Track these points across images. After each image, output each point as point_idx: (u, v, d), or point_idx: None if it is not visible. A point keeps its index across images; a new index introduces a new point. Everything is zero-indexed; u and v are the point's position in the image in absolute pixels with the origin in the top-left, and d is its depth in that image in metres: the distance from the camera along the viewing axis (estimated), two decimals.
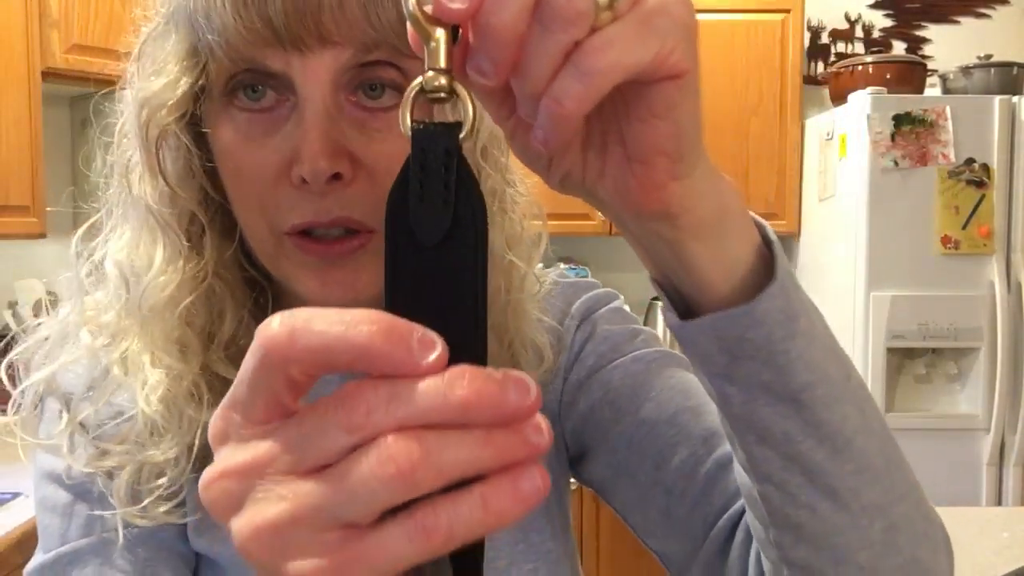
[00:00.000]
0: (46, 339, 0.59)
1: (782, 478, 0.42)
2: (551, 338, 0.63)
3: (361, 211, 0.51)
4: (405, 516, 0.25)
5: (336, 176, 0.49)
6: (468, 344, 0.28)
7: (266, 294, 0.59)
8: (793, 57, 2.99)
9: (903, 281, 2.55)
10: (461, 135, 0.29)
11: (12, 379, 0.59)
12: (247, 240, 0.55)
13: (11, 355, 0.59)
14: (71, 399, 0.58)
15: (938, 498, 2.24)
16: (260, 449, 0.27)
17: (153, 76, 0.52)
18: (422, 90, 0.29)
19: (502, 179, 0.58)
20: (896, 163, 2.53)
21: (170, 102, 0.51)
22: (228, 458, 0.28)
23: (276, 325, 0.26)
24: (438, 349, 0.26)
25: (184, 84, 0.51)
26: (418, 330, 0.26)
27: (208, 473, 0.28)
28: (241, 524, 0.27)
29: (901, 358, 2.62)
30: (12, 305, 2.36)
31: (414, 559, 0.25)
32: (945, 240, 2.54)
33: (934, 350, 2.61)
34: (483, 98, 0.35)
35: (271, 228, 0.52)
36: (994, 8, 3.29)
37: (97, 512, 0.57)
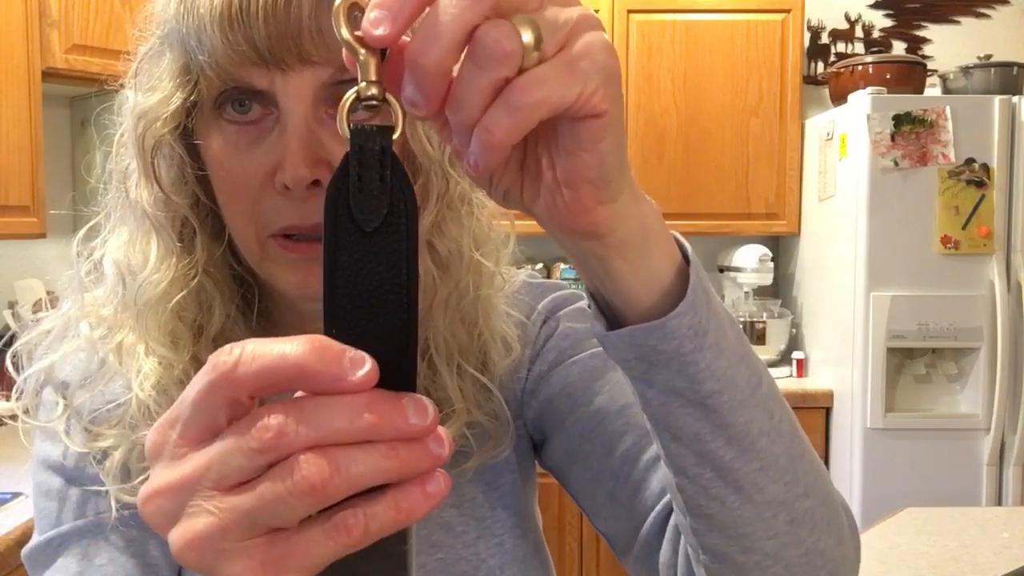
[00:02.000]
0: (48, 332, 0.64)
1: (695, 472, 0.47)
2: (519, 331, 0.67)
3: None
4: (325, 517, 0.29)
5: (316, 183, 0.53)
6: (401, 326, 0.32)
7: (253, 290, 0.63)
8: (793, 57, 2.99)
9: (903, 281, 2.55)
10: (393, 136, 0.32)
11: (16, 368, 0.64)
12: (236, 243, 0.60)
13: (15, 345, 0.65)
14: (68, 387, 0.63)
15: (938, 498, 2.24)
16: (189, 468, 0.30)
17: (149, 92, 0.58)
18: (358, 98, 0.33)
19: (470, 185, 0.62)
20: (896, 163, 2.53)
21: (164, 115, 0.56)
22: (161, 475, 0.31)
23: (225, 352, 0.30)
24: (367, 366, 0.29)
25: (177, 99, 0.56)
26: (349, 350, 0.30)
27: (144, 490, 0.31)
28: (176, 536, 0.30)
29: (901, 358, 2.62)
30: (12, 305, 2.36)
31: (335, 554, 0.30)
32: (945, 240, 2.54)
33: (934, 350, 2.61)
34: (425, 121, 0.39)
35: (257, 233, 0.57)
36: (994, 8, 3.29)
37: (91, 490, 0.61)
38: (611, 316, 0.46)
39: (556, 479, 0.68)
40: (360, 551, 0.30)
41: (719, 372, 0.45)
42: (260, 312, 0.64)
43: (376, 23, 0.31)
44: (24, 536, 1.51)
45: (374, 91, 0.33)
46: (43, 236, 2.17)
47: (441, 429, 0.31)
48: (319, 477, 0.28)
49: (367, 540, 0.30)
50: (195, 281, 0.60)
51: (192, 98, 0.56)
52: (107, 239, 0.63)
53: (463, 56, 0.33)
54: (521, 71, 0.33)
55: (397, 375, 0.31)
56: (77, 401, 0.62)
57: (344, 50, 0.33)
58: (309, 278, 0.56)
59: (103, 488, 0.60)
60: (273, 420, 0.29)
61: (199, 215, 0.60)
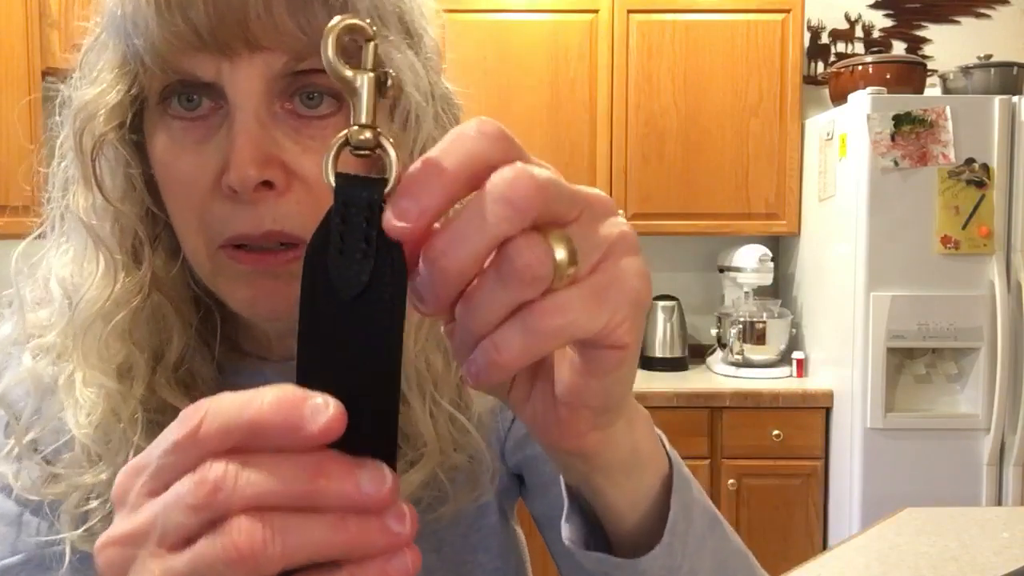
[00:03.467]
0: None
1: None
2: None
3: (294, 223, 0.49)
4: None
5: (268, 184, 0.48)
6: (379, 400, 0.28)
7: (214, 315, 0.57)
8: (793, 57, 2.99)
9: (903, 281, 2.55)
10: (386, 190, 0.29)
11: None
12: (188, 258, 0.54)
13: None
14: (20, 415, 0.57)
15: (938, 498, 2.23)
16: (139, 521, 0.28)
17: (88, 85, 0.52)
18: (347, 143, 0.29)
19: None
20: (896, 163, 2.53)
21: (103, 110, 0.51)
22: (117, 525, 0.29)
23: (194, 408, 0.28)
24: (329, 413, 0.26)
25: (118, 92, 0.51)
26: (312, 397, 0.27)
27: (101, 539, 0.29)
28: None
29: (901, 358, 2.62)
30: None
31: None
32: (945, 240, 2.54)
33: (934, 350, 2.61)
34: None
35: (206, 243, 0.51)
36: (994, 8, 3.29)
37: (43, 530, 0.56)
38: (589, 513, 0.44)
39: (536, 526, 0.65)
40: None
41: None
42: (224, 337, 0.58)
43: (401, 215, 0.28)
44: None
45: (367, 136, 0.29)
46: (43, 236, 2.17)
47: (406, 506, 0.28)
48: (249, 544, 0.26)
49: None
50: (144, 299, 0.54)
51: (134, 91, 0.51)
52: (49, 254, 0.58)
53: (487, 262, 0.29)
54: (548, 290, 0.30)
55: (373, 447, 0.28)
56: (26, 439, 0.55)
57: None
58: (260, 294, 0.51)
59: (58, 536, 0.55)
60: (211, 474, 0.26)
61: (150, 227, 0.54)
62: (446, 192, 0.29)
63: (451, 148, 0.29)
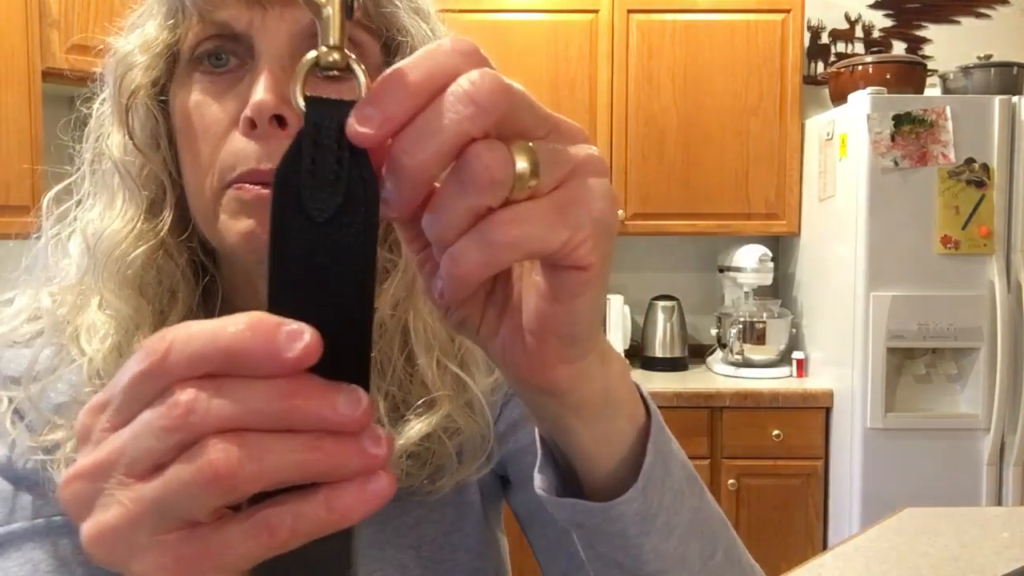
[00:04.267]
0: (10, 300, 0.61)
1: None
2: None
3: None
4: (247, 514, 0.26)
5: (281, 121, 0.50)
6: (352, 323, 0.28)
7: (216, 285, 0.59)
8: (793, 57, 2.99)
9: (903, 281, 2.55)
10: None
11: None
12: (192, 210, 0.56)
13: None
14: (18, 381, 0.57)
15: (938, 498, 2.23)
16: (104, 452, 0.27)
17: (134, 37, 0.56)
18: (316, 64, 0.29)
19: None
20: (896, 163, 2.53)
21: (142, 60, 0.54)
22: (82, 459, 0.28)
23: (158, 337, 0.27)
24: (305, 339, 0.26)
25: (159, 44, 0.54)
26: (286, 323, 0.26)
27: (65, 474, 0.28)
28: (86, 528, 0.27)
29: (901, 358, 2.62)
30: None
31: (258, 555, 0.26)
32: (945, 240, 2.54)
33: (934, 350, 2.61)
34: (395, 225, 0.35)
35: (215, 182, 0.53)
36: (994, 8, 3.29)
37: (45, 502, 0.56)
38: (563, 465, 0.43)
39: (517, 523, 0.65)
40: (294, 555, 0.27)
41: (666, 553, 0.42)
42: (221, 313, 0.59)
43: (364, 120, 0.28)
44: None
45: (335, 57, 0.29)
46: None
47: (380, 429, 0.27)
48: (226, 463, 0.25)
49: (294, 541, 0.26)
50: (158, 245, 0.56)
51: (174, 43, 0.54)
52: (80, 215, 0.59)
53: (449, 169, 0.29)
54: (508, 202, 0.29)
55: (346, 374, 0.27)
56: (31, 391, 0.56)
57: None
58: (259, 228, 0.51)
59: (54, 481, 0.55)
60: (184, 396, 0.26)
61: (170, 185, 0.56)
62: (411, 99, 0.28)
63: (420, 60, 0.29)
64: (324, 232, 0.28)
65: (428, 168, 0.28)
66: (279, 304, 0.27)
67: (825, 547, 2.71)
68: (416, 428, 0.55)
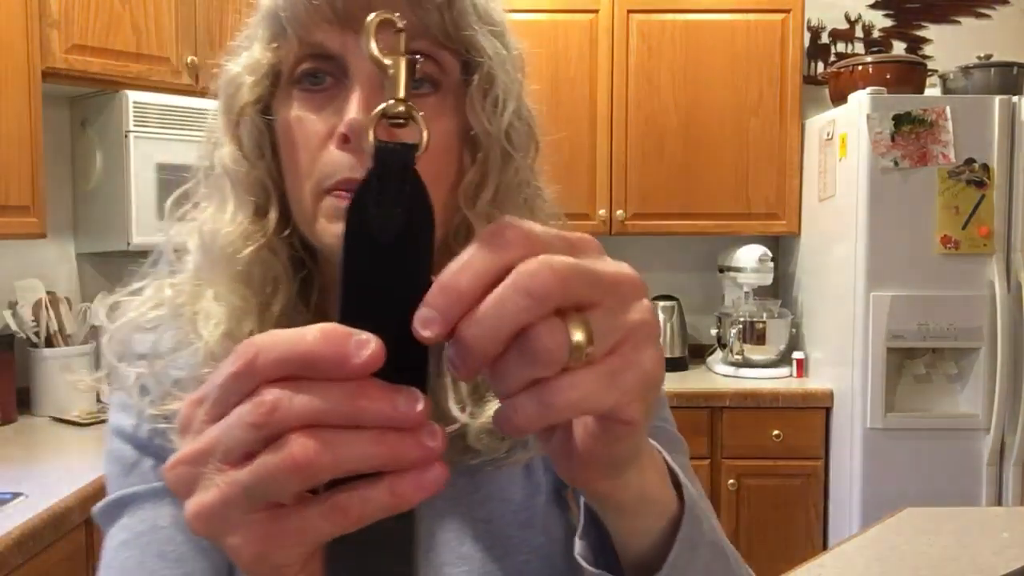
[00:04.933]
0: (140, 290, 0.68)
1: None
2: None
3: None
4: (323, 497, 0.31)
5: None
6: (410, 335, 0.32)
7: (313, 280, 0.67)
8: (793, 57, 2.99)
9: (903, 281, 2.55)
10: (417, 154, 0.33)
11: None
12: (293, 212, 0.63)
13: (112, 298, 0.69)
14: (144, 359, 0.66)
15: (938, 498, 2.23)
16: (204, 442, 0.32)
17: (240, 59, 0.62)
18: (384, 115, 0.34)
19: (529, 174, 0.65)
20: (896, 163, 2.53)
21: (249, 80, 0.61)
22: (185, 447, 0.33)
23: (248, 343, 0.31)
24: (371, 348, 0.30)
25: (263, 65, 0.61)
26: (355, 334, 0.31)
27: (170, 460, 0.33)
28: (188, 505, 0.32)
29: (901, 358, 2.62)
30: (12, 305, 2.36)
31: (332, 532, 0.31)
32: (945, 240, 2.54)
33: (934, 350, 2.61)
34: None
35: (314, 188, 0.59)
36: (994, 8, 3.29)
37: (160, 458, 0.64)
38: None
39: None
40: (363, 532, 0.31)
41: None
42: (317, 305, 0.67)
43: (425, 324, 0.32)
44: (24, 535, 1.51)
45: (400, 109, 0.34)
46: (43, 236, 2.17)
47: (436, 425, 0.32)
48: (304, 454, 0.30)
49: (363, 521, 0.31)
50: (264, 243, 0.63)
51: (276, 63, 0.61)
52: (193, 216, 0.66)
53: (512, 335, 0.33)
54: (566, 369, 0.33)
55: (406, 378, 0.32)
56: (155, 367, 0.65)
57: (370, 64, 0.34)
58: None
59: (173, 448, 0.62)
60: (269, 396, 0.30)
61: (274, 189, 0.63)
62: (464, 302, 0.32)
63: (474, 258, 0.32)
64: (388, 254, 0.33)
65: (489, 349, 0.32)
66: (348, 316, 0.32)
67: (825, 547, 2.71)
68: (493, 408, 0.60)
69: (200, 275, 0.64)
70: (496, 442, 0.63)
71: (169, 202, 0.68)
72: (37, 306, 2.36)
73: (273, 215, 0.63)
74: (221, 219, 0.63)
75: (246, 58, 0.62)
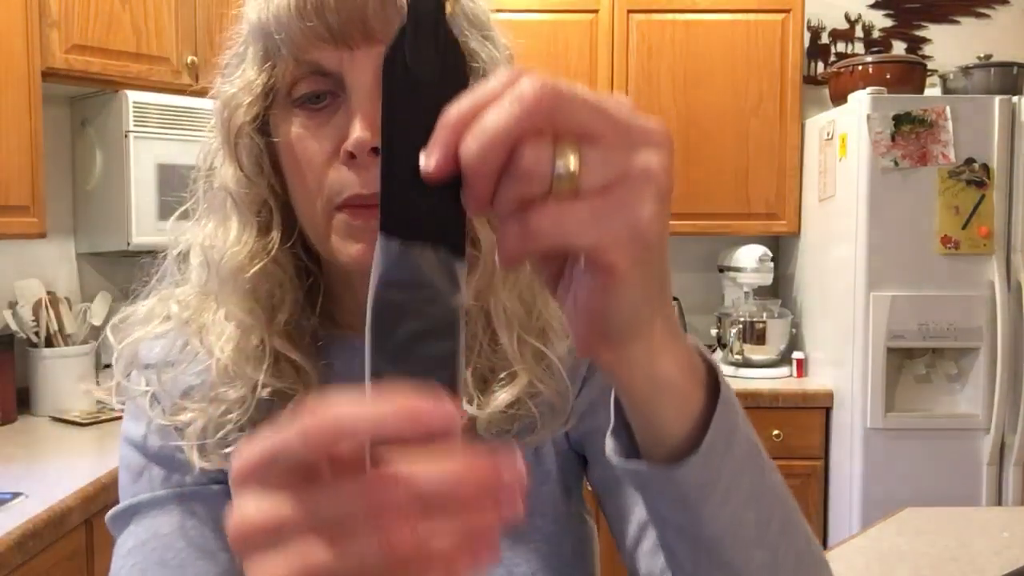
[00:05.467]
0: (136, 311, 0.69)
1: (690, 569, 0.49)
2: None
3: None
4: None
5: (376, 151, 0.56)
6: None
7: (318, 286, 0.68)
8: (793, 57, 2.99)
9: (903, 281, 2.55)
10: (448, 9, 0.35)
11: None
12: (303, 228, 0.64)
13: (115, 318, 0.70)
14: (154, 368, 0.67)
15: (938, 498, 2.23)
16: (287, 507, 0.30)
17: (234, 80, 0.63)
18: None
19: None
20: (896, 163, 2.53)
21: (245, 101, 0.61)
22: (258, 505, 0.31)
23: (323, 407, 0.30)
24: (453, 416, 0.30)
25: (258, 85, 0.61)
26: (431, 402, 0.30)
27: (238, 517, 0.31)
28: (266, 568, 0.30)
29: (901, 358, 2.62)
30: (12, 305, 2.36)
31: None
32: (945, 240, 2.54)
33: (934, 350, 2.61)
34: None
35: (323, 207, 0.60)
36: (994, 8, 3.29)
37: (168, 466, 0.67)
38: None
39: (594, 497, 0.70)
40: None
41: (723, 518, 0.45)
42: (323, 309, 0.68)
43: (427, 164, 0.32)
44: (24, 536, 1.51)
45: None
46: (43, 236, 2.17)
47: (516, 461, 0.31)
48: (402, 546, 0.29)
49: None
50: (269, 260, 0.64)
51: (271, 82, 0.61)
52: (194, 230, 0.67)
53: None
54: (559, 194, 0.32)
55: (451, 229, 0.33)
56: (164, 377, 0.66)
57: None
58: (370, 249, 0.58)
59: (181, 457, 0.65)
60: (377, 481, 0.29)
61: (275, 203, 0.64)
62: (459, 131, 0.32)
63: (475, 93, 0.33)
64: (428, 92, 0.33)
65: (483, 164, 0.32)
66: (389, 155, 0.33)
67: (825, 547, 2.71)
68: (501, 398, 0.63)
69: (206, 289, 0.66)
70: (507, 424, 0.64)
71: (170, 221, 0.69)
72: (37, 306, 2.36)
73: (276, 230, 0.64)
74: (226, 238, 0.64)
75: (240, 79, 0.62)
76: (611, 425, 0.47)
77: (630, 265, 0.34)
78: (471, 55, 0.62)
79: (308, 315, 0.67)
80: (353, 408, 0.30)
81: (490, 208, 0.33)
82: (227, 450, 0.64)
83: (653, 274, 0.36)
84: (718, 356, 3.07)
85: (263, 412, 0.64)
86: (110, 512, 0.69)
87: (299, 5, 0.57)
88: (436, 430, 0.30)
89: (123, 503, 0.68)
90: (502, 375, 0.64)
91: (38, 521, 1.56)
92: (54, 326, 2.37)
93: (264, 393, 0.63)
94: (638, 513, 0.63)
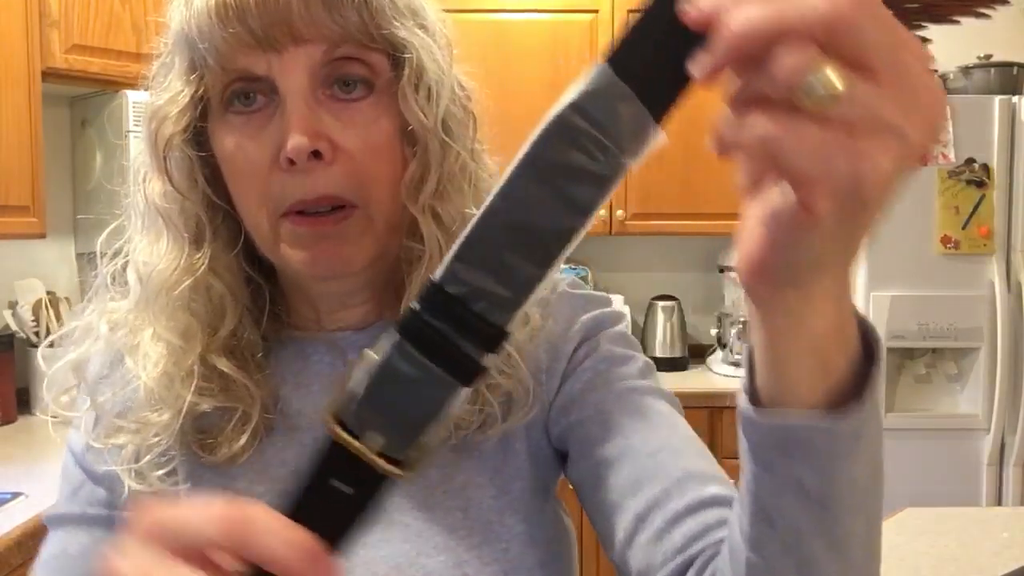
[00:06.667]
0: (73, 330, 0.68)
1: (775, 560, 0.44)
2: (550, 344, 0.68)
3: (342, 187, 0.59)
4: None
5: (316, 155, 0.57)
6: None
7: (264, 294, 0.68)
8: None
9: (903, 281, 2.55)
10: None
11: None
12: (251, 236, 0.63)
13: (45, 341, 0.71)
14: (93, 385, 0.67)
15: (938, 498, 2.22)
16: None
17: (161, 92, 0.62)
18: None
19: (469, 156, 0.64)
20: None
21: (173, 113, 0.60)
22: (140, 561, 0.33)
23: (244, 509, 0.33)
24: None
25: (185, 96, 0.60)
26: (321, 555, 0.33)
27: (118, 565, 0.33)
28: None
29: (901, 358, 2.62)
30: (12, 305, 2.36)
31: None
32: (945, 240, 2.54)
33: (934, 350, 2.61)
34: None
35: (268, 215, 0.60)
36: (994, 8, 3.29)
37: (97, 485, 0.67)
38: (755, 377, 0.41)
39: (575, 492, 0.67)
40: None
41: (852, 476, 0.41)
42: (273, 315, 0.68)
43: (691, 8, 0.30)
44: (24, 536, 1.52)
45: None
46: (43, 236, 2.17)
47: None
48: None
49: None
50: (202, 275, 0.62)
51: (200, 93, 0.60)
52: (128, 245, 0.66)
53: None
54: (803, 109, 0.29)
55: (665, 96, 0.33)
56: (99, 399, 0.66)
57: None
58: (319, 255, 0.60)
59: (117, 479, 0.65)
60: None
61: (212, 216, 0.63)
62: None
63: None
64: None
65: (746, 39, 0.29)
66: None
67: None
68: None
69: (137, 310, 0.65)
70: (468, 417, 0.63)
71: (100, 240, 0.68)
72: (37, 306, 2.36)
73: (210, 245, 0.63)
74: (157, 254, 0.63)
75: (167, 90, 0.61)
76: (743, 383, 0.42)
77: (836, 217, 0.31)
78: (402, 45, 0.60)
79: (251, 325, 0.66)
80: (268, 523, 0.33)
81: (713, 80, 0.31)
82: (161, 472, 0.64)
83: (850, 235, 0.33)
84: (718, 356, 3.07)
85: (201, 428, 0.64)
86: (47, 513, 0.69)
87: (219, 12, 0.56)
88: None
89: (53, 511, 0.69)
90: None
91: (38, 521, 1.56)
92: (54, 326, 2.37)
93: (202, 407, 0.63)
94: (634, 504, 0.60)
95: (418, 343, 0.33)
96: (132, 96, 2.36)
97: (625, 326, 0.73)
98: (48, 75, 2.17)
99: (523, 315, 0.62)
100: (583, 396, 0.66)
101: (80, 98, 2.50)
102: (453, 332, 0.33)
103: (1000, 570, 1.32)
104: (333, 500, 0.34)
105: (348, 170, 0.59)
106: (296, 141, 0.56)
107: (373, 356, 0.33)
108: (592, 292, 0.73)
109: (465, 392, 0.33)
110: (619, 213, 3.01)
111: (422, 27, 0.63)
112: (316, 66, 0.58)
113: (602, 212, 2.97)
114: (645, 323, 3.15)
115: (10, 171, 2.06)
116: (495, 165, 0.67)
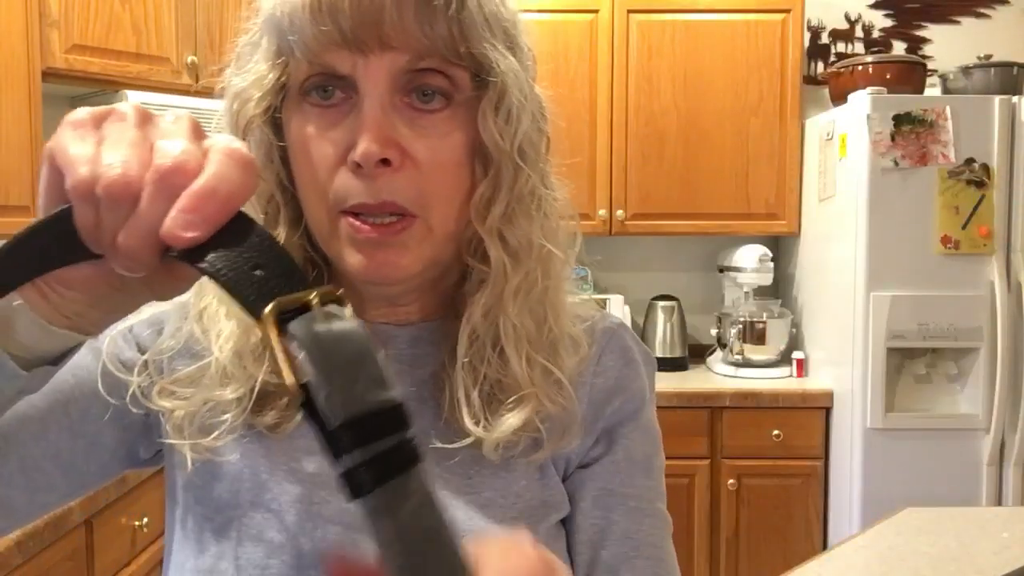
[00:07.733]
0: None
1: None
2: (589, 399, 0.69)
3: (406, 197, 0.59)
4: None
5: (385, 162, 0.57)
6: None
7: (322, 276, 0.68)
8: (793, 57, 2.99)
9: (903, 281, 2.55)
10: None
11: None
12: (310, 224, 0.64)
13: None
14: (159, 335, 0.67)
15: (938, 498, 2.23)
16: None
17: (245, 74, 0.62)
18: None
19: (540, 180, 0.65)
20: (896, 163, 2.53)
21: (257, 95, 0.61)
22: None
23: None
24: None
25: (269, 81, 0.61)
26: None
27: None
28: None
29: (901, 358, 2.62)
30: None
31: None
32: (945, 240, 2.54)
33: (934, 350, 2.61)
34: None
35: (328, 210, 0.60)
36: (994, 8, 3.29)
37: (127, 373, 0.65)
38: None
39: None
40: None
41: None
42: None
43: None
44: (24, 535, 1.51)
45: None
46: None
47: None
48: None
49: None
50: None
51: (282, 79, 0.61)
52: None
53: None
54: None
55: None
56: (162, 344, 0.66)
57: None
58: (374, 262, 0.60)
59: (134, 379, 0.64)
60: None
61: (283, 196, 0.64)
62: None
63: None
64: None
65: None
66: None
67: (825, 547, 2.71)
68: (510, 422, 0.63)
69: (209, 288, 0.64)
70: (510, 449, 0.64)
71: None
72: None
73: (283, 225, 0.64)
74: None
75: (252, 72, 0.62)
76: None
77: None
78: (489, 67, 0.60)
79: None
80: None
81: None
82: (221, 441, 0.63)
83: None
84: (718, 356, 3.07)
85: (261, 405, 0.64)
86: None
87: (313, 7, 0.57)
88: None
89: (104, 335, 0.65)
90: (511, 398, 0.63)
91: (38, 521, 1.56)
92: None
93: (272, 384, 0.63)
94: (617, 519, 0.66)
95: (380, 480, 0.32)
96: (132, 96, 2.36)
97: (654, 371, 0.76)
98: (48, 75, 2.17)
99: (572, 340, 0.67)
100: (594, 480, 0.69)
101: (80, 98, 2.50)
102: (374, 445, 0.32)
103: (1000, 570, 1.32)
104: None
105: (413, 180, 0.59)
106: (366, 147, 0.56)
107: None
108: (640, 345, 0.74)
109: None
110: (619, 213, 3.01)
111: (511, 48, 0.62)
112: (398, 73, 0.58)
113: (602, 212, 2.98)
114: (645, 323, 3.15)
115: (10, 171, 2.06)
116: (564, 190, 0.68)
